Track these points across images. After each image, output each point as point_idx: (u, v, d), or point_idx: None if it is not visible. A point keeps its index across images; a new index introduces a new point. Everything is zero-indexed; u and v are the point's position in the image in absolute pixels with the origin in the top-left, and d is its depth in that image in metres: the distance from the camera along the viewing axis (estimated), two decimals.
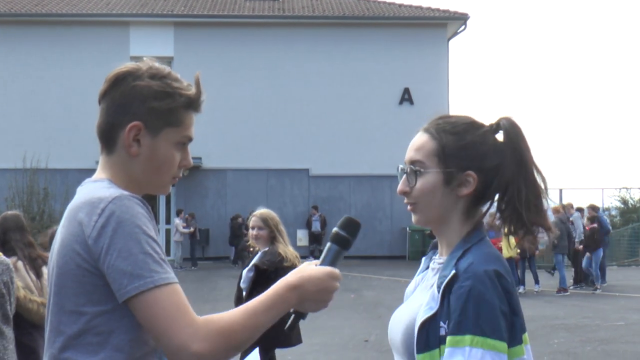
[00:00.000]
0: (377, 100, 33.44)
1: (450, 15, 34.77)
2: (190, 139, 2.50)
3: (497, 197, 2.54)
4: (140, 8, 34.44)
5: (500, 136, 2.56)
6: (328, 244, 2.50)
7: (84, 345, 2.26)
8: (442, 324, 2.33)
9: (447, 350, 2.27)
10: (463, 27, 35.06)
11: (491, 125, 2.57)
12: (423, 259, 2.76)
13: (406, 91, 33.64)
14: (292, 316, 2.44)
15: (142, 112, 2.39)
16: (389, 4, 35.96)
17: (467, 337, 2.25)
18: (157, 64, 2.49)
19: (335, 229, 2.51)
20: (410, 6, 35.76)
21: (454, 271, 2.35)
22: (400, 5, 35.73)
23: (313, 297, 2.38)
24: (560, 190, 33.36)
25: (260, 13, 34.21)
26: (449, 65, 34.60)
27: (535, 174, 2.52)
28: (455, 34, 35.46)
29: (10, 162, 28.64)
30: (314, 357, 12.04)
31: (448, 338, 2.27)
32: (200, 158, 32.12)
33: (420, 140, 2.54)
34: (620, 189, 39.11)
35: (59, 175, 28.04)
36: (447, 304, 2.33)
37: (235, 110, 32.91)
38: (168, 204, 33.51)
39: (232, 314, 2.29)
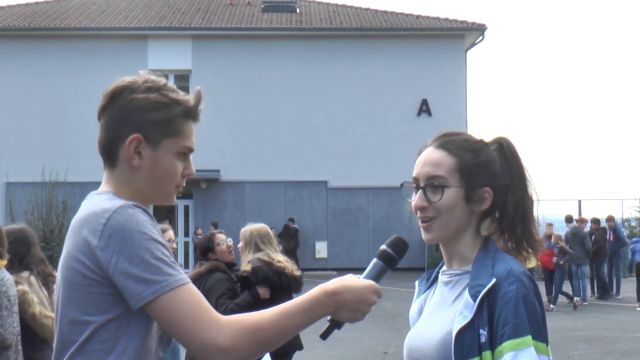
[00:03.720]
0: (395, 111, 33.43)
1: (468, 26, 34.74)
2: (190, 150, 2.54)
3: (499, 214, 2.62)
4: (158, 21, 34.60)
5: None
6: (374, 260, 2.55)
7: (90, 352, 2.31)
8: (481, 331, 2.38)
9: (509, 354, 2.32)
10: (481, 37, 35.02)
11: (493, 144, 2.65)
12: (417, 282, 2.84)
13: (424, 102, 33.60)
14: (328, 323, 2.47)
15: (141, 124, 2.43)
16: (407, 15, 35.98)
17: (528, 338, 2.32)
18: (153, 77, 2.53)
19: (383, 247, 2.56)
20: (428, 17, 35.77)
21: (494, 279, 2.41)
22: (417, 17, 35.73)
23: (350, 306, 2.40)
24: (579, 201, 33.17)
25: (277, 25, 34.30)
26: (466, 76, 34.56)
27: (531, 192, 2.64)
28: (473, 44, 35.43)
29: (29, 176, 28.77)
30: None
31: (507, 343, 2.33)
32: (218, 170, 32.21)
33: (436, 156, 2.59)
34: (639, 199, 38.91)
35: (78, 188, 28.06)
36: (484, 312, 2.39)
37: (253, 122, 32.98)
38: (187, 217, 33.61)
39: (262, 314, 2.34)
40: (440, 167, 2.55)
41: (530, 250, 2.59)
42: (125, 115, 2.44)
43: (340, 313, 2.41)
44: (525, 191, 2.59)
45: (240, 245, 7.66)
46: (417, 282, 2.83)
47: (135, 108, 2.44)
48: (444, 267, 2.68)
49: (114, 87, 2.50)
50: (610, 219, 23.92)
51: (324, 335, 2.49)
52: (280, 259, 7.47)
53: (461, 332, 2.39)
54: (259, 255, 7.45)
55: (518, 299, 2.34)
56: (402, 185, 2.68)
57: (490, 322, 2.37)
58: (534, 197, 2.62)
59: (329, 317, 2.44)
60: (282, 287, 7.23)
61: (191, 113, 2.50)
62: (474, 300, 2.39)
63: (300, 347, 7.59)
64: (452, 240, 2.59)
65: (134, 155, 2.44)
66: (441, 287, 2.65)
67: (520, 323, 2.32)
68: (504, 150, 2.62)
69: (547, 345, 2.41)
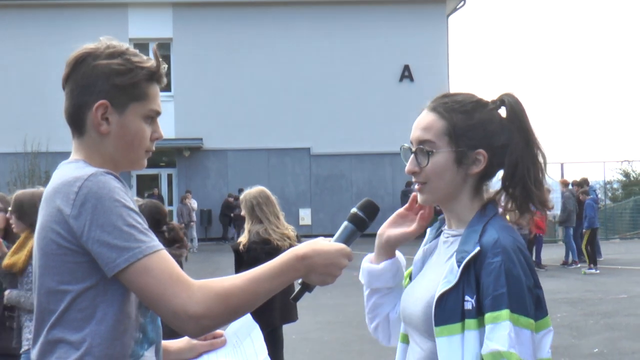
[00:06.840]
0: (377, 77, 33.36)
1: None
2: (157, 113, 2.54)
3: (501, 174, 2.58)
4: None
5: (502, 112, 2.58)
6: (345, 223, 2.55)
7: (70, 321, 2.31)
8: (468, 297, 2.37)
9: (487, 327, 2.32)
10: (462, 3, 34.95)
11: (495, 102, 2.59)
12: (428, 229, 2.80)
13: (406, 68, 33.56)
14: (299, 287, 2.49)
15: (106, 90, 2.44)
16: None
17: (504, 312, 2.30)
18: (114, 42, 2.53)
19: (353, 209, 2.56)
20: None
21: (478, 248, 2.39)
22: None
23: (321, 270, 2.41)
24: (562, 165, 33.29)
25: None
26: (448, 41, 34.52)
27: (536, 150, 2.56)
28: (455, 10, 35.35)
29: (11, 146, 28.67)
30: (318, 334, 12.07)
31: (487, 315, 2.32)
32: (201, 139, 32.12)
33: (427, 119, 2.56)
34: (622, 162, 39.15)
35: (60, 158, 27.21)
36: (471, 279, 2.38)
37: (235, 90, 32.81)
38: (170, 185, 33.54)
39: (233, 279, 2.35)
40: (429, 131, 2.52)
41: (533, 211, 2.55)
42: (89, 81, 2.45)
43: (310, 277, 2.42)
44: (527, 150, 2.51)
45: (243, 212, 7.66)
46: (429, 229, 2.79)
47: (99, 74, 2.44)
48: (445, 226, 2.67)
49: (76, 55, 2.50)
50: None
51: (295, 298, 2.52)
52: (277, 236, 7.41)
53: (443, 297, 2.39)
54: (259, 228, 7.43)
55: (500, 271, 2.32)
56: (401, 148, 2.64)
57: (477, 291, 2.36)
58: (540, 156, 2.55)
59: (300, 281, 2.46)
60: None
61: (155, 76, 2.51)
62: (458, 267, 2.39)
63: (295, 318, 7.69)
64: (447, 202, 2.58)
65: (101, 122, 2.44)
66: (440, 246, 2.65)
67: (499, 297, 2.30)
68: (505, 107, 2.56)
69: (541, 318, 2.39)
